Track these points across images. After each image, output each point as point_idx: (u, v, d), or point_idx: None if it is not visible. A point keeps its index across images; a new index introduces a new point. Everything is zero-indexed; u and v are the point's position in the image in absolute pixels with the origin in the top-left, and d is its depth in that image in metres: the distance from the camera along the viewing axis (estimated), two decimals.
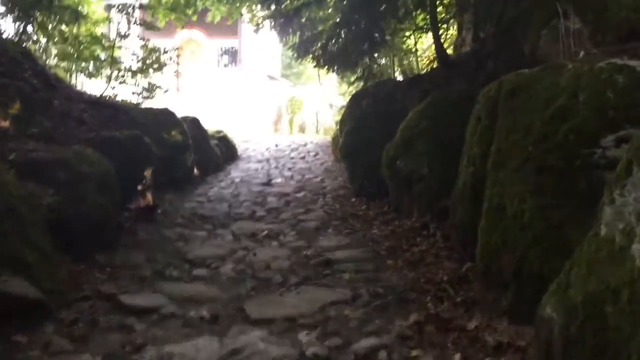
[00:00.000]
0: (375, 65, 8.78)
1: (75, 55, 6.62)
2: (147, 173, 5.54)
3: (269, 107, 18.80)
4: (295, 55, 8.36)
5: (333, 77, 33.92)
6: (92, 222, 3.97)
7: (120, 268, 3.86)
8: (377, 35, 6.91)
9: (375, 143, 6.62)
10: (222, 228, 5.38)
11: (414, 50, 11.67)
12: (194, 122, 8.37)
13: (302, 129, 22.84)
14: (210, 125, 16.02)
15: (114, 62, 7.19)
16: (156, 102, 9.64)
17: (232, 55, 21.23)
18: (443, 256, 4.03)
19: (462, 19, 8.60)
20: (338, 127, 11.56)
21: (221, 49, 21.51)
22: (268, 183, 7.72)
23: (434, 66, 8.74)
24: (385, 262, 4.08)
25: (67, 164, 4.00)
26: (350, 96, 8.77)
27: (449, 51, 9.82)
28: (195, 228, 5.27)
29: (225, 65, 21.42)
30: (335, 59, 7.61)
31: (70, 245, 3.75)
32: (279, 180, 7.96)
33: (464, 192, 3.90)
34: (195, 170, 7.77)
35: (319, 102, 24.94)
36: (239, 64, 19.91)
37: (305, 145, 11.47)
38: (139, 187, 5.41)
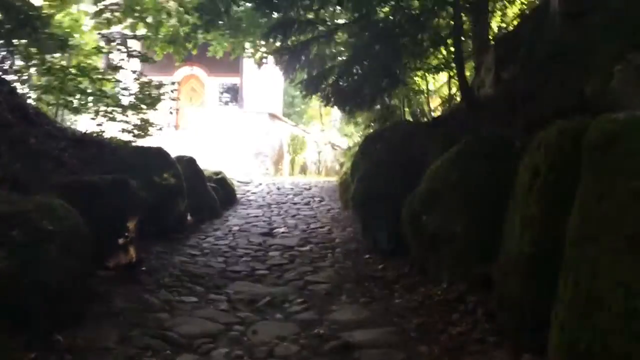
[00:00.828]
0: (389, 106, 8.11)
1: (60, 88, 5.93)
2: (132, 224, 4.76)
3: (270, 146, 18.16)
4: (303, 93, 7.72)
5: (336, 116, 33.71)
6: (54, 291, 3.17)
7: (84, 353, 3.03)
8: (397, 71, 6.26)
9: (392, 193, 5.88)
10: (215, 291, 4.56)
11: (425, 91, 11.11)
12: (190, 163, 7.65)
13: (303, 170, 22.17)
14: (208, 165, 15.41)
15: (102, 96, 6.50)
16: (151, 141, 8.95)
17: (234, 92, 20.78)
18: (490, 343, 3.22)
19: (482, 58, 8.04)
20: (345, 171, 10.88)
21: (222, 86, 21.07)
22: (270, 233, 6.93)
23: (451, 108, 8.11)
24: (417, 348, 3.26)
25: (25, 219, 3.23)
26: (362, 138, 8.07)
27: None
28: (184, 291, 4.45)
29: (226, 103, 20.94)
30: (347, 98, 6.95)
31: (23, 324, 2.96)
32: (282, 229, 7.17)
33: (518, 262, 3.14)
34: (189, 217, 6.99)
35: (321, 142, 24.41)
36: (240, 102, 19.40)
37: (309, 189, 10.73)
38: (121, 241, 4.62)
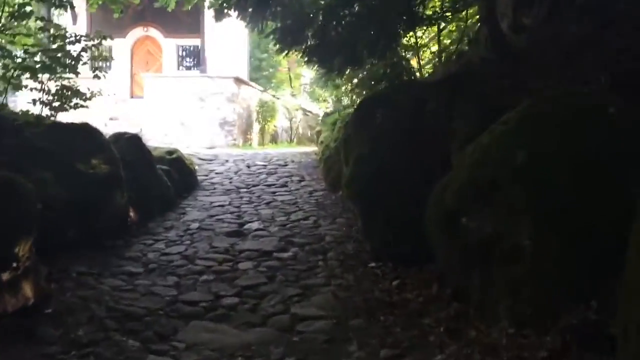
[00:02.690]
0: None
1: None
2: (24, 247, 3.10)
3: (237, 114, 16.34)
4: (277, 47, 6.02)
5: (306, 80, 31.82)
6: None
7: None
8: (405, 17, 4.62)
9: (404, 178, 4.35)
10: (159, 346, 2.98)
11: (413, 45, 9.50)
12: (132, 142, 5.94)
13: (274, 139, 20.41)
14: (164, 140, 13.57)
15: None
16: (94, 114, 7.16)
17: (194, 55, 18.71)
18: None
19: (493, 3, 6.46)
20: (325, 142, 9.25)
21: (182, 48, 18.96)
22: (239, 232, 5.32)
23: (462, 63, 6.52)
24: None
25: None
26: (355, 104, 6.46)
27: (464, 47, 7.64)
28: (107, 353, 2.85)
29: (187, 68, 18.88)
30: (334, 52, 5.29)
31: None
32: (255, 224, 5.56)
33: None
34: (132, 214, 5.33)
35: (293, 108, 22.61)
36: (202, 66, 17.39)
37: (285, 165, 9.07)
38: (5, 276, 2.97)
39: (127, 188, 5.22)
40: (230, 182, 7.66)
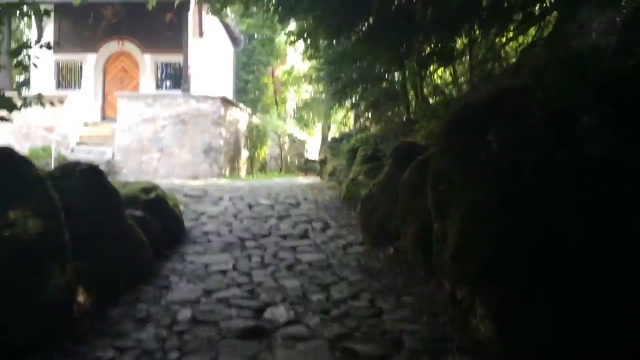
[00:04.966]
0: None
1: None
2: None
3: (224, 140, 14.31)
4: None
5: (291, 105, 30.05)
6: None
7: None
8: None
9: (578, 250, 2.39)
10: None
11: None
12: (89, 179, 3.86)
13: (263, 168, 18.37)
14: (137, 170, 11.43)
15: None
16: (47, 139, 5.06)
17: (175, 73, 16.70)
18: None
19: None
20: (353, 177, 7.22)
21: (162, 65, 16.96)
22: (260, 329, 3.23)
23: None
24: None
25: None
26: (439, 123, 4.52)
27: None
28: None
29: (167, 88, 16.83)
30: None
31: None
32: (280, 311, 3.48)
33: None
34: (81, 297, 3.23)
35: (283, 134, 20.67)
36: (185, 85, 15.36)
37: (297, 204, 7.00)
38: None
39: (73, 255, 3.15)
40: (230, 232, 5.56)
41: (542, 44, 6.19)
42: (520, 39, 7.12)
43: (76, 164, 3.96)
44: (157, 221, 4.80)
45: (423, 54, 6.47)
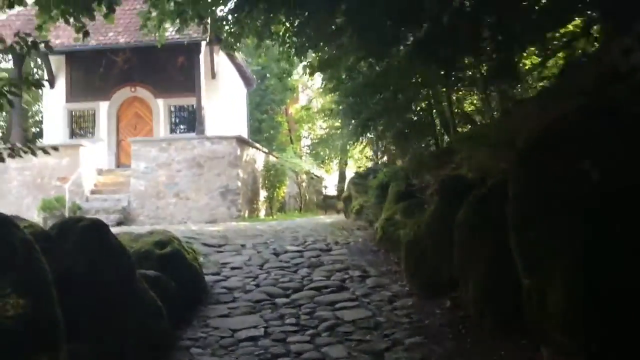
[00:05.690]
0: None
1: None
2: None
3: (242, 180, 13.78)
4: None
5: (308, 141, 29.60)
6: None
7: None
8: None
9: None
10: None
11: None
12: (91, 237, 3.25)
13: (282, 208, 17.76)
14: (153, 216, 10.92)
15: None
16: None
17: (190, 116, 16.36)
18: None
19: None
20: (387, 216, 6.52)
21: (175, 109, 16.65)
22: None
23: None
24: None
25: None
26: (520, 148, 3.85)
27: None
28: None
29: (181, 131, 16.48)
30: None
31: None
32: None
33: None
34: None
35: (301, 172, 20.13)
36: (199, 127, 14.97)
37: (328, 249, 6.33)
38: None
39: (69, 335, 2.52)
40: (257, 286, 4.88)
41: (588, 60, 5.60)
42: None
43: (77, 220, 3.37)
44: (174, 279, 4.15)
45: (481, 72, 5.85)
